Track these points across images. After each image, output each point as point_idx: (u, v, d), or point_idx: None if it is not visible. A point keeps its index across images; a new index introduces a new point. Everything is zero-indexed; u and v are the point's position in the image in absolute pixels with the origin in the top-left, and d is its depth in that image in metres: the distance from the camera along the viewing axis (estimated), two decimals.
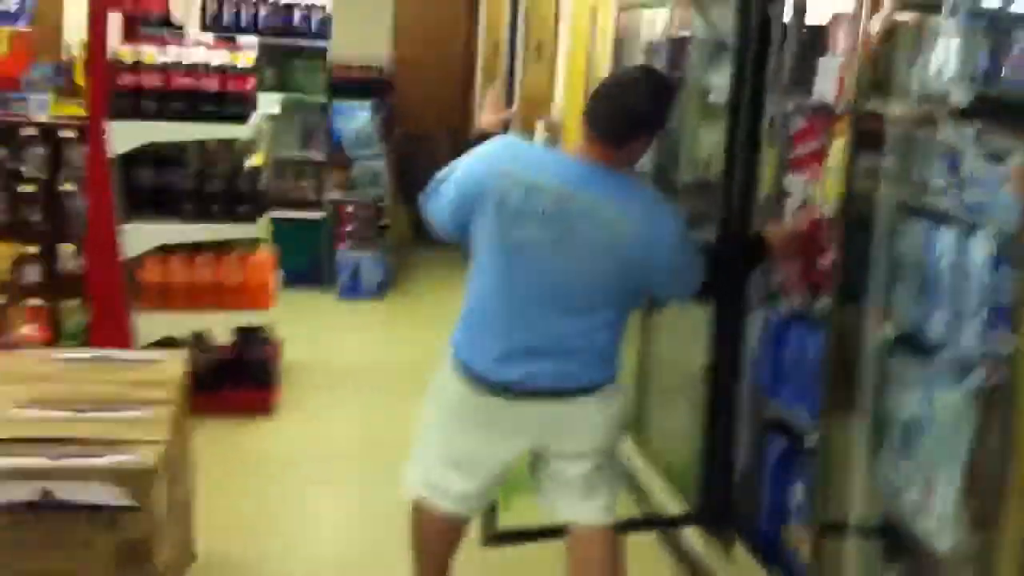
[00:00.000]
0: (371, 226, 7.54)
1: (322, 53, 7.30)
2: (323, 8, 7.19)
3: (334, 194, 7.49)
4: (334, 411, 5.15)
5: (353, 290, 7.43)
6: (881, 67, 2.54)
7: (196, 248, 4.66)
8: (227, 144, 4.73)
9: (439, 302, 7.77)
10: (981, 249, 2.35)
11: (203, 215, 4.58)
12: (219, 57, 4.56)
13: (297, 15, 7.10)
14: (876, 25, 2.46)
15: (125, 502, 2.65)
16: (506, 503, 3.35)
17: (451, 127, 9.62)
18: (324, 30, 7.22)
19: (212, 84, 4.49)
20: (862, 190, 2.64)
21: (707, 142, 3.91)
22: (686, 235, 2.75)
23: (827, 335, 2.79)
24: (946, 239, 2.48)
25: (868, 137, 2.59)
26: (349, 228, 7.46)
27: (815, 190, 3.10)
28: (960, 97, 2.38)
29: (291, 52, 7.31)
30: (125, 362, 3.37)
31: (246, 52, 4.68)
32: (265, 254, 4.90)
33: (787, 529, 3.33)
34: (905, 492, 2.68)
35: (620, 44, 4.56)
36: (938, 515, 2.55)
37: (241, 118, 4.63)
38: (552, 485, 2.88)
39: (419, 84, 9.31)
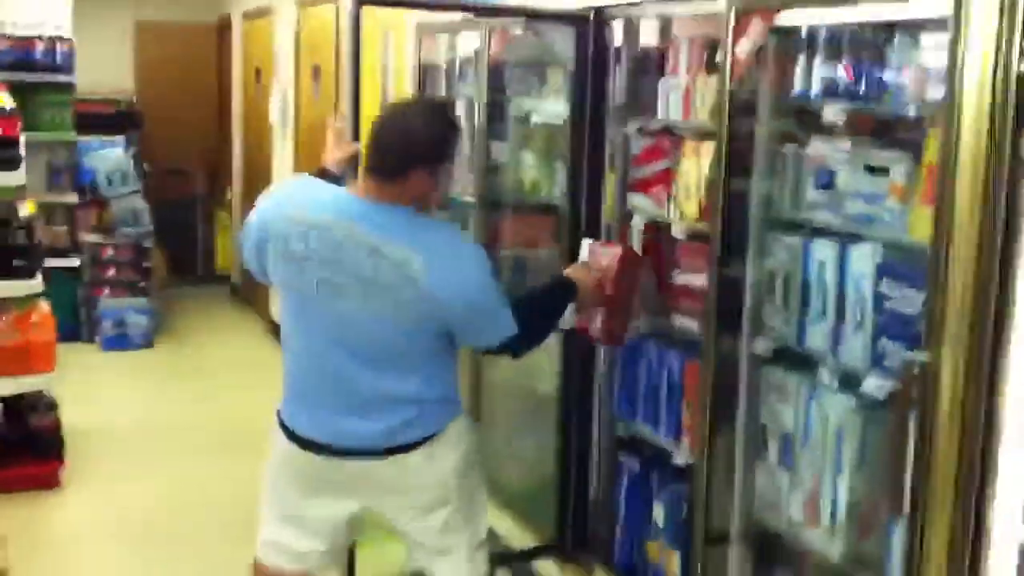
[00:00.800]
0: (135, 270, 7.06)
1: (67, 88, 6.74)
2: (69, 41, 6.63)
3: (91, 237, 6.95)
4: (124, 480, 4.80)
5: (119, 342, 6.91)
6: (747, 86, 2.58)
7: None
8: None
9: (211, 347, 7.40)
10: (865, 260, 2.42)
11: None
12: None
13: (39, 48, 6.51)
14: (744, 47, 2.50)
15: None
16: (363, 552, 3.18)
17: (207, 160, 9.20)
18: (68, 63, 6.66)
19: None
20: (733, 207, 2.66)
21: (529, 165, 3.88)
22: (488, 279, 2.50)
23: (704, 354, 2.80)
24: (825, 251, 2.54)
25: (738, 156, 2.63)
26: (110, 273, 6.94)
27: (666, 209, 3.12)
28: (830, 115, 2.45)
29: (32, 87, 6.70)
30: None
31: None
32: (44, 311, 4.45)
33: (651, 546, 3.33)
34: (786, 503, 2.73)
35: (423, 69, 4.46)
36: (825, 525, 2.62)
37: (11, 163, 4.19)
38: (408, 543, 2.72)
39: (169, 117, 8.83)
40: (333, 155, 2.95)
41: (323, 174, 2.85)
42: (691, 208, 3.02)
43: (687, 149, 3.01)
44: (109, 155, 6.98)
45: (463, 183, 4.04)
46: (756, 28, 2.51)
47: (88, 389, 5.92)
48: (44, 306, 4.45)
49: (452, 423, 2.61)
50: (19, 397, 4.54)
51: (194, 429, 5.50)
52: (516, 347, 2.59)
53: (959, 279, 1.97)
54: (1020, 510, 2.05)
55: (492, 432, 3.99)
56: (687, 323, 3.13)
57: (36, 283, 4.27)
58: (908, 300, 2.31)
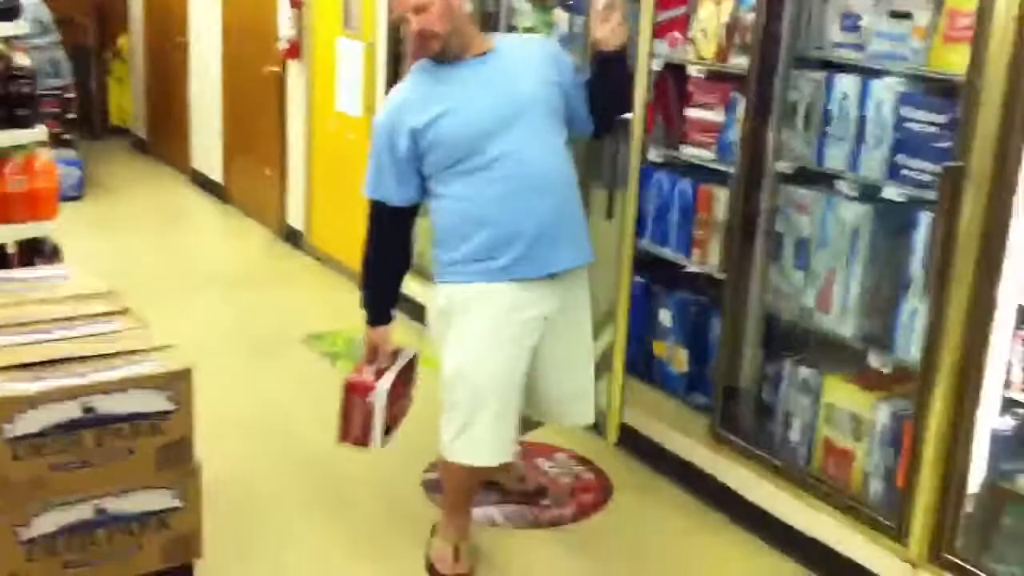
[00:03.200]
0: (59, 121, 7.01)
1: None
2: None
3: None
4: None
5: None
6: None
7: None
8: None
9: (141, 198, 7.53)
10: (887, 91, 2.96)
11: None
12: None
13: None
14: None
15: (168, 407, 2.65)
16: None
17: (97, 7, 8.97)
18: None
19: None
20: (765, 46, 3.15)
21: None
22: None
23: (737, 173, 3.32)
24: (847, 84, 3.07)
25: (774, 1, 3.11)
26: None
27: (683, 52, 3.57)
28: None
29: None
30: (26, 281, 3.20)
31: None
32: (46, 159, 4.58)
33: (658, 345, 3.89)
34: (800, 295, 3.32)
35: None
36: (836, 310, 3.22)
37: (7, 12, 4.25)
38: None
39: None
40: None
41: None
42: (710, 49, 3.49)
43: None
44: (26, 3, 6.83)
45: None
46: None
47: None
48: (45, 154, 4.58)
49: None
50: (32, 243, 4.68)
51: (157, 277, 5.69)
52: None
53: (991, 96, 2.54)
54: (1020, 280, 2.68)
55: None
56: (699, 152, 3.62)
57: (39, 131, 4.38)
58: (926, 123, 2.87)
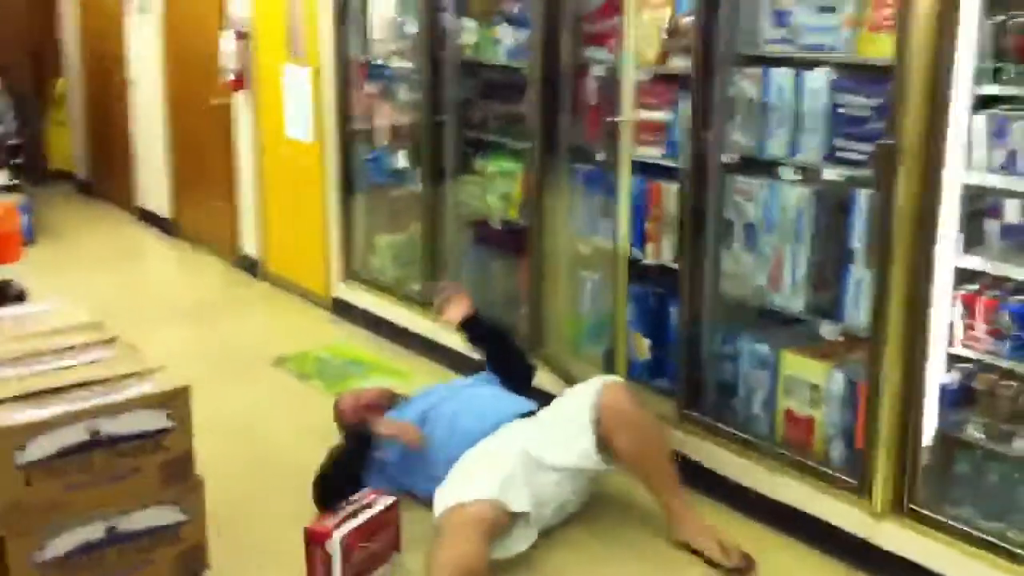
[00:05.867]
0: (6, 168, 7.06)
1: None
2: None
3: None
4: None
5: None
6: None
7: None
8: None
9: (92, 239, 7.57)
10: (820, 80, 3.19)
11: None
12: None
13: None
14: None
15: (169, 424, 2.77)
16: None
17: (30, 51, 8.96)
18: None
19: None
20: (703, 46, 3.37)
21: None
22: None
23: (685, 165, 3.54)
24: (782, 76, 3.30)
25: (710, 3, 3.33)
26: None
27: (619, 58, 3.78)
28: None
29: None
30: (14, 318, 3.30)
31: None
32: (8, 204, 4.67)
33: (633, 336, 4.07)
34: (752, 276, 3.53)
35: None
36: (788, 286, 3.43)
37: None
38: None
39: None
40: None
41: None
42: (651, 54, 3.70)
43: (640, 3, 3.66)
44: None
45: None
46: None
47: None
48: (5, 199, 4.66)
49: None
50: None
51: (119, 313, 5.72)
52: None
53: (916, 80, 2.77)
54: (954, 244, 2.91)
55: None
56: (648, 151, 3.82)
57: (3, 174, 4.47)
58: (859, 107, 3.10)
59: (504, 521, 3.07)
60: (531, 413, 3.53)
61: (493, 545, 3.03)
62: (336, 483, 3.32)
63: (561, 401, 3.51)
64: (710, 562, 3.19)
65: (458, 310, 3.86)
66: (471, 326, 3.85)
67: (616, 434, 3.25)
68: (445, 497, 3.14)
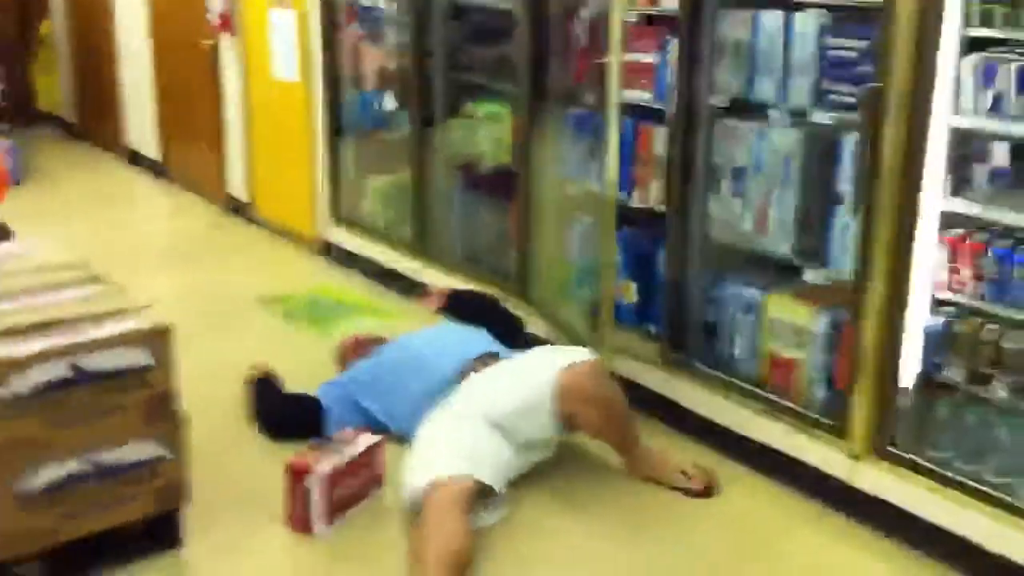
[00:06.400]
0: None
1: None
2: None
3: None
4: None
5: None
6: None
7: None
8: None
9: (80, 181, 7.52)
10: (809, 22, 3.17)
11: None
12: None
13: None
14: None
15: (151, 361, 2.77)
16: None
17: None
18: None
19: None
20: None
21: None
22: None
23: (677, 107, 3.51)
24: (771, 19, 3.27)
25: None
26: None
27: None
28: None
29: None
30: None
31: None
32: None
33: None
34: (739, 220, 3.53)
35: None
36: (774, 231, 3.43)
37: None
38: None
39: None
40: None
41: None
42: None
43: None
44: None
45: None
46: None
47: None
48: None
49: None
50: None
51: (107, 255, 5.71)
52: None
53: (904, 22, 2.75)
54: (940, 188, 2.90)
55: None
56: (637, 94, 3.79)
57: None
58: (848, 49, 3.08)
59: (476, 492, 3.05)
60: (495, 355, 3.54)
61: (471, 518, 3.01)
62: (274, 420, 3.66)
63: (525, 365, 3.43)
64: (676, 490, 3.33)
65: (434, 300, 4.13)
66: (452, 309, 4.03)
67: (577, 413, 3.26)
68: (417, 474, 3.07)
